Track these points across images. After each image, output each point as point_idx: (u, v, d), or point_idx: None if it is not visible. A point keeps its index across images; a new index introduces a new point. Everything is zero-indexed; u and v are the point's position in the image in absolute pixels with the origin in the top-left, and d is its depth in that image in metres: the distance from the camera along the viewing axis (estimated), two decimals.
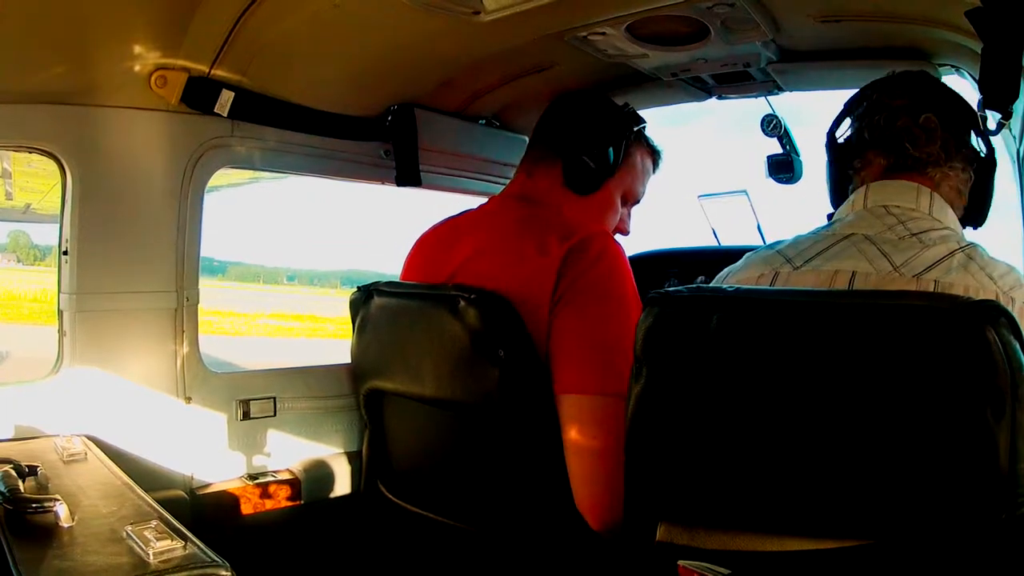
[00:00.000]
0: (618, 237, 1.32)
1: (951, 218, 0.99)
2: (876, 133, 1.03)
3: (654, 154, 1.43)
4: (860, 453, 0.74)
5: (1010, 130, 1.12)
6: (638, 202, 1.44)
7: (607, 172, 1.31)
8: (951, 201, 1.01)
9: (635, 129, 1.35)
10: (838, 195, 1.10)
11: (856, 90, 1.10)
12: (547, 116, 1.38)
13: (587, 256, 1.13)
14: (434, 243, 1.36)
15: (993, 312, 0.69)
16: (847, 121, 1.10)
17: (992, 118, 1.01)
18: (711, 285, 1.02)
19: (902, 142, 1.01)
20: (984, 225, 1.07)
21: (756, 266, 1.02)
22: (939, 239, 0.92)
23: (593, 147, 1.30)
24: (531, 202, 1.29)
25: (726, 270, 1.09)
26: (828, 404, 0.75)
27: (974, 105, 1.02)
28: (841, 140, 1.10)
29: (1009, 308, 0.81)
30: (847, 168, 1.07)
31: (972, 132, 1.03)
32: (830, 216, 1.11)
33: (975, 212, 1.05)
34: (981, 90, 0.99)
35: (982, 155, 1.04)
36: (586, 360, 1.10)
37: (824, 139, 1.12)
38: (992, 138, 1.04)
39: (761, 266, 1.01)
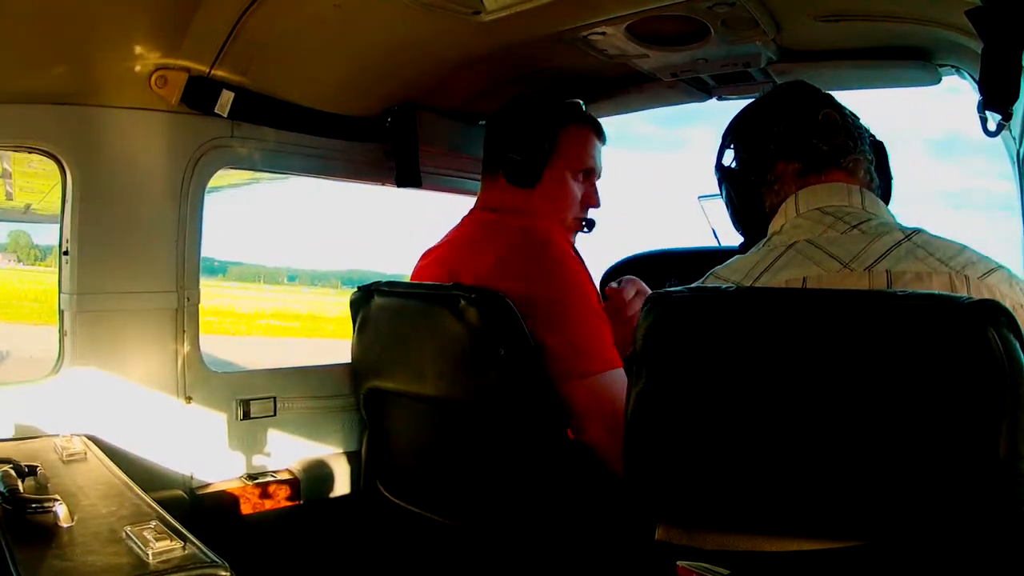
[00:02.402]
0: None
1: (884, 210, 0.99)
2: (780, 141, 1.03)
3: (592, 125, 1.46)
4: (860, 453, 0.74)
5: (1010, 131, 1.12)
6: (596, 174, 1.46)
7: (540, 160, 1.37)
8: (867, 184, 1.02)
9: (561, 111, 1.42)
10: (749, 220, 1.08)
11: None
12: (485, 136, 1.45)
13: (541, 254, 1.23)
14: (429, 266, 1.40)
15: (994, 312, 0.69)
16: (730, 150, 1.10)
17: (992, 119, 1.01)
18: (708, 286, 1.01)
19: (810, 141, 1.01)
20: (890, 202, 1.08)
21: None
22: (880, 228, 0.92)
23: (518, 142, 1.37)
24: (493, 210, 1.38)
25: None
26: (829, 404, 0.75)
27: (974, 105, 1.02)
28: (736, 165, 1.09)
29: (964, 288, 0.82)
30: (757, 187, 1.06)
31: (857, 120, 1.05)
32: (742, 247, 1.10)
33: (884, 190, 1.07)
34: (981, 90, 0.99)
35: (873, 138, 1.06)
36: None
37: (715, 172, 1.12)
38: (992, 139, 1.03)
39: None
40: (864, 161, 1.03)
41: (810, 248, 0.93)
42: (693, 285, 1.02)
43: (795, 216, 0.99)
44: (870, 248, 0.89)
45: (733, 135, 1.10)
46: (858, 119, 1.06)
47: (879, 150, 1.07)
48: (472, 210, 1.44)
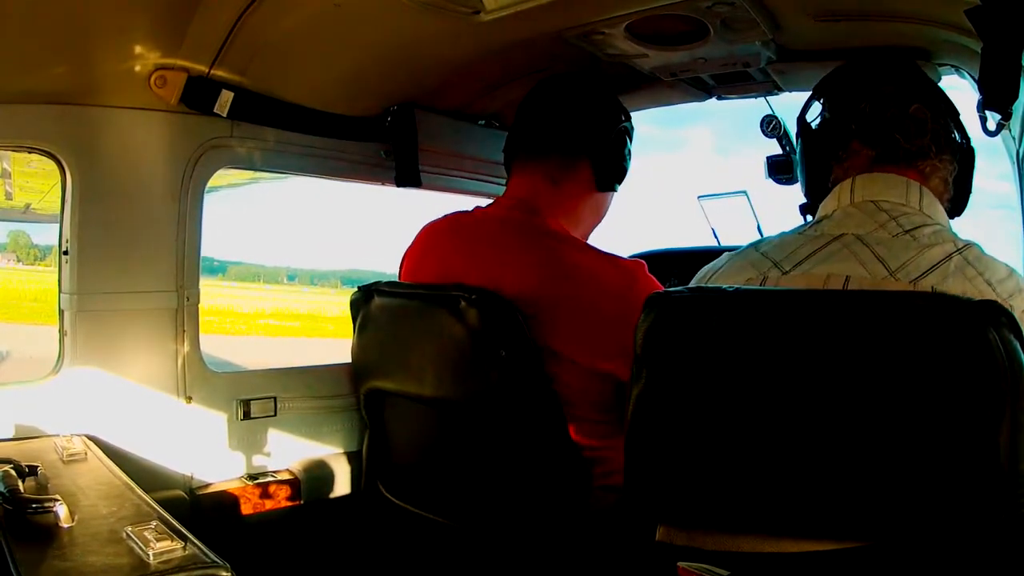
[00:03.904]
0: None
1: (941, 213, 0.96)
2: (863, 122, 0.99)
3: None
4: (860, 454, 0.74)
5: (1010, 130, 1.12)
6: None
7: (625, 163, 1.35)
8: (940, 194, 0.98)
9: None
10: (815, 185, 1.05)
11: None
12: (555, 116, 1.33)
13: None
14: (441, 243, 1.35)
15: (994, 312, 0.69)
16: (818, 105, 1.06)
17: (992, 118, 1.00)
18: (708, 285, 1.00)
19: (892, 133, 0.97)
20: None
21: (741, 269, 0.98)
22: (934, 237, 0.89)
23: (620, 146, 1.33)
24: (536, 213, 1.26)
25: (706, 268, 1.05)
26: (829, 405, 0.75)
27: (974, 105, 1.02)
28: (816, 126, 1.05)
29: None
30: (828, 158, 1.02)
31: (952, 123, 1.01)
32: (802, 207, 1.08)
33: (958, 202, 1.03)
34: (981, 90, 0.98)
35: (963, 145, 1.02)
36: None
37: (796, 126, 1.08)
38: (991, 138, 1.03)
39: (748, 269, 0.97)
40: (942, 169, 0.98)
41: (858, 244, 0.90)
42: (745, 245, 1.01)
43: (848, 204, 0.96)
44: (919, 259, 0.87)
45: (823, 93, 1.05)
46: (954, 118, 1.00)
47: (967, 159, 1.01)
48: (514, 207, 1.27)
